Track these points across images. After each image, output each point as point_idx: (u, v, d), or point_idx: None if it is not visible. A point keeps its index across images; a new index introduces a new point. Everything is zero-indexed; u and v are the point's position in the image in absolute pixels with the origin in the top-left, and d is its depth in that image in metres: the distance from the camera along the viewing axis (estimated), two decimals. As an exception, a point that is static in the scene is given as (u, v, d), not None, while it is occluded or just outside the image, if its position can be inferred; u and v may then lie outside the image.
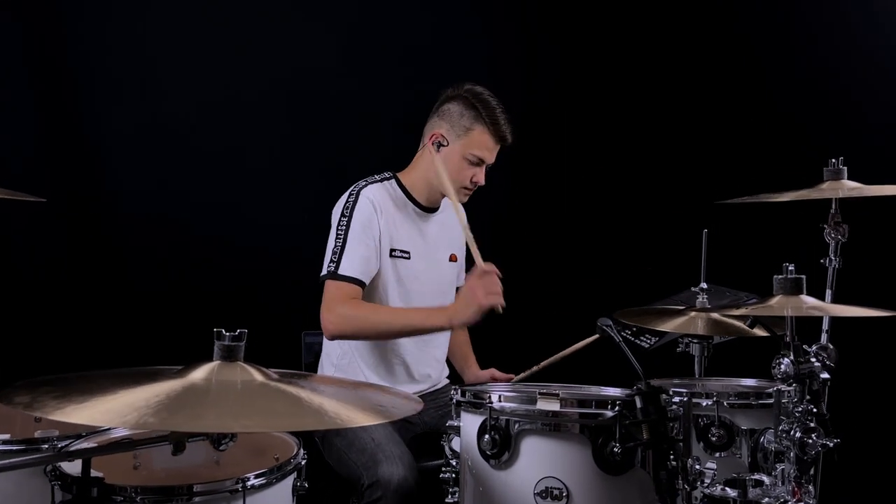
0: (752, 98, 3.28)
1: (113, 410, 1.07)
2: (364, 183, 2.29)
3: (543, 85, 3.49)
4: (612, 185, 3.39)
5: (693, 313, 2.23)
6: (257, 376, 1.25)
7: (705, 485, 1.62)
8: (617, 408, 1.57)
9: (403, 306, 2.28)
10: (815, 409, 1.65)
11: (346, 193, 2.27)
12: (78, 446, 1.60)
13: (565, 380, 1.99)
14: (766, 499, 1.64)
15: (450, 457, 1.78)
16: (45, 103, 2.88)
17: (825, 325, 2.13)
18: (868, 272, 2.57)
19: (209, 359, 1.25)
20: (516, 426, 1.63)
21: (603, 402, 1.60)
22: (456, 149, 2.25)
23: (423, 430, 2.32)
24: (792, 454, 1.63)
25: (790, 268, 1.74)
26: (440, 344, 2.44)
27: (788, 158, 2.96)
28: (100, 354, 2.76)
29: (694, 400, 1.91)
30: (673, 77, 3.36)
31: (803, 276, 1.74)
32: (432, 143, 2.28)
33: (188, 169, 3.03)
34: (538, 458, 1.61)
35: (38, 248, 2.90)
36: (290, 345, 2.55)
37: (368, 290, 2.22)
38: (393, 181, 2.33)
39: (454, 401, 1.76)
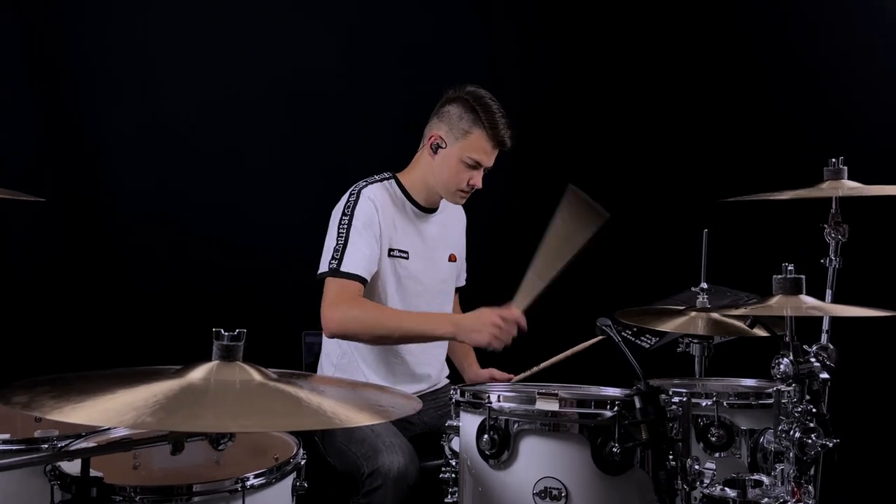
0: (752, 98, 3.28)
1: (111, 410, 1.07)
2: (364, 183, 2.29)
3: (543, 85, 3.49)
4: (612, 186, 3.37)
5: (693, 313, 2.23)
6: (256, 376, 1.25)
7: (704, 485, 1.62)
8: (616, 408, 1.57)
9: (403, 306, 2.28)
10: (814, 410, 1.64)
11: (347, 193, 2.27)
12: (77, 446, 1.60)
13: (564, 380, 1.99)
14: (766, 499, 1.64)
15: (449, 457, 1.78)
16: (45, 103, 2.88)
17: (825, 326, 2.13)
18: (868, 272, 2.57)
19: (208, 359, 1.25)
20: (515, 426, 1.63)
21: (602, 402, 1.60)
22: (454, 151, 2.25)
23: (423, 430, 2.32)
24: (791, 454, 1.63)
25: (790, 268, 1.74)
26: (440, 344, 2.44)
27: (788, 158, 2.95)
28: (100, 354, 2.76)
29: (693, 400, 1.91)
30: (673, 77, 3.36)
31: (803, 276, 1.74)
32: (430, 145, 2.28)
33: (188, 169, 3.03)
34: (537, 458, 1.62)
35: (38, 248, 2.90)
36: (290, 345, 2.55)
37: (368, 290, 2.22)
38: (392, 181, 2.33)
39: (453, 401, 1.76)
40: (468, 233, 2.56)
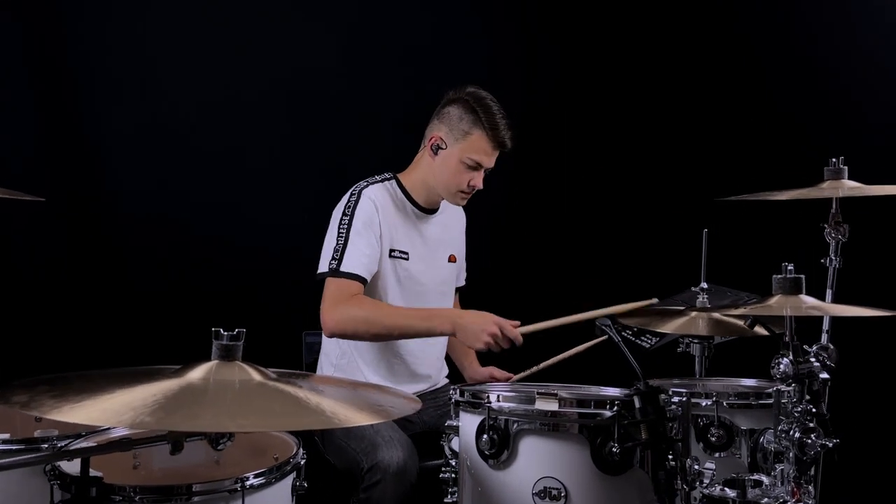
0: (752, 98, 3.28)
1: (110, 410, 1.07)
2: (365, 183, 2.29)
3: (543, 85, 3.49)
4: (613, 186, 3.39)
5: (694, 313, 2.23)
6: (255, 376, 1.25)
7: (704, 485, 1.62)
8: (615, 408, 1.57)
9: (404, 307, 2.28)
10: (814, 410, 1.64)
11: (348, 193, 2.27)
12: (76, 446, 1.60)
13: (564, 380, 1.99)
14: (766, 499, 1.64)
15: (449, 457, 1.78)
16: (45, 103, 2.88)
17: (825, 325, 2.13)
18: (869, 272, 2.56)
19: (207, 358, 1.25)
20: (515, 426, 1.63)
21: (601, 402, 1.60)
22: (454, 152, 2.25)
23: (423, 430, 2.32)
24: (791, 454, 1.62)
25: (789, 267, 1.74)
26: (440, 344, 2.44)
27: (788, 159, 2.95)
28: (100, 354, 2.76)
29: (693, 400, 1.91)
30: (673, 77, 3.36)
31: (802, 276, 1.74)
32: (431, 146, 2.27)
33: (188, 169, 3.03)
34: (537, 458, 1.61)
35: (38, 248, 2.90)
36: (290, 345, 2.55)
37: (369, 291, 2.22)
38: (393, 182, 2.33)
39: (453, 400, 1.76)
40: (468, 233, 2.56)
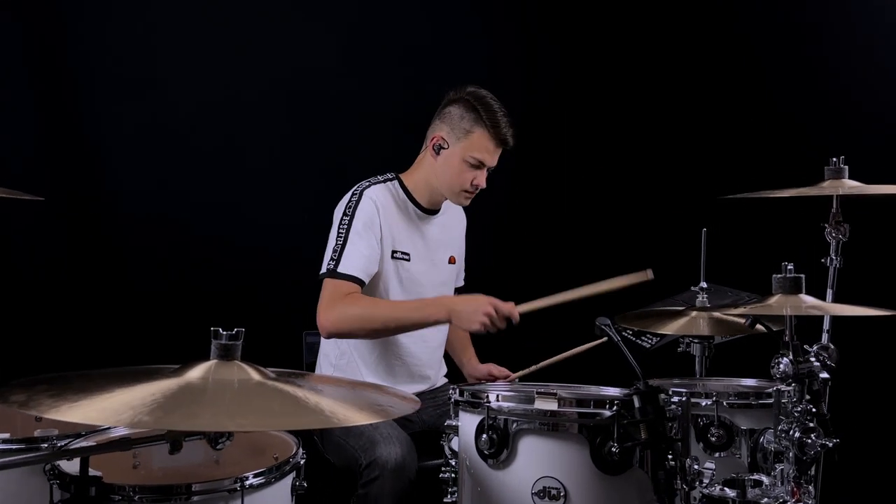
0: (752, 98, 3.28)
1: (108, 409, 1.07)
2: (367, 183, 2.29)
3: (543, 85, 3.49)
4: (613, 185, 3.39)
5: (694, 313, 2.23)
6: (254, 375, 1.25)
7: (704, 485, 1.62)
8: (615, 407, 1.57)
9: None
10: (814, 410, 1.64)
11: (350, 193, 2.27)
12: (76, 445, 1.60)
13: (564, 379, 1.99)
14: (765, 499, 1.63)
15: (449, 456, 1.78)
16: (45, 103, 2.88)
17: (826, 325, 2.13)
18: (869, 272, 2.56)
19: (207, 358, 1.25)
20: (514, 425, 1.62)
21: (601, 402, 1.60)
22: (456, 151, 2.25)
23: (422, 429, 2.31)
24: (791, 454, 1.62)
25: (789, 267, 1.74)
26: (438, 344, 2.44)
27: (789, 159, 2.96)
28: (100, 354, 2.75)
29: (693, 400, 1.90)
30: (673, 78, 3.36)
31: (802, 275, 1.74)
32: (433, 147, 2.27)
33: (188, 169, 3.03)
34: (536, 458, 1.61)
35: (38, 248, 2.90)
36: (290, 345, 2.55)
37: (369, 292, 2.22)
38: (395, 182, 2.33)
39: (452, 400, 1.76)
40: (469, 233, 2.56)
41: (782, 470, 1.65)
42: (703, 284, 2.27)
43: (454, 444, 1.77)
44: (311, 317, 2.17)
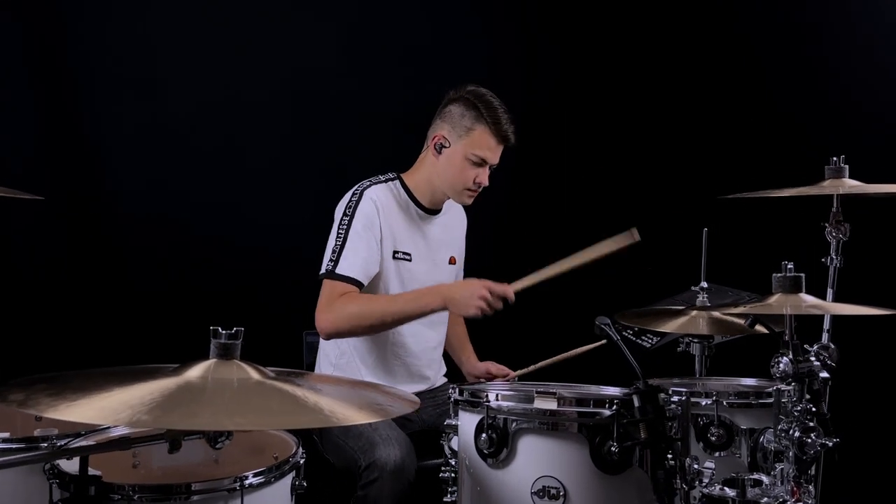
0: (752, 98, 3.28)
1: (107, 408, 1.07)
2: (368, 183, 2.28)
3: (543, 85, 3.49)
4: (613, 185, 3.39)
5: (694, 312, 2.23)
6: (254, 374, 1.25)
7: (703, 484, 1.62)
8: (615, 407, 1.57)
9: None
10: (815, 409, 1.64)
11: (350, 192, 2.27)
12: (75, 445, 1.60)
13: (563, 379, 1.98)
14: (765, 498, 1.63)
15: (449, 456, 1.78)
16: (45, 103, 2.88)
17: (826, 325, 2.12)
18: (869, 271, 2.56)
19: (206, 357, 1.25)
20: (514, 425, 1.62)
21: (600, 401, 1.60)
22: (458, 149, 2.24)
23: (422, 428, 2.31)
24: (791, 454, 1.62)
25: (789, 266, 1.73)
26: (438, 343, 2.43)
27: (789, 159, 2.95)
28: (100, 354, 2.74)
29: (693, 399, 1.90)
30: (673, 78, 3.36)
31: (802, 275, 1.74)
32: (434, 146, 2.27)
33: (188, 169, 3.03)
34: (535, 458, 1.61)
35: (39, 248, 2.90)
36: (291, 345, 2.55)
37: (369, 292, 2.22)
38: (397, 182, 2.33)
39: (452, 399, 1.76)
40: (470, 233, 2.56)
41: (782, 469, 1.64)
42: (704, 284, 2.27)
43: (454, 443, 1.77)
44: (311, 317, 2.17)
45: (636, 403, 1.56)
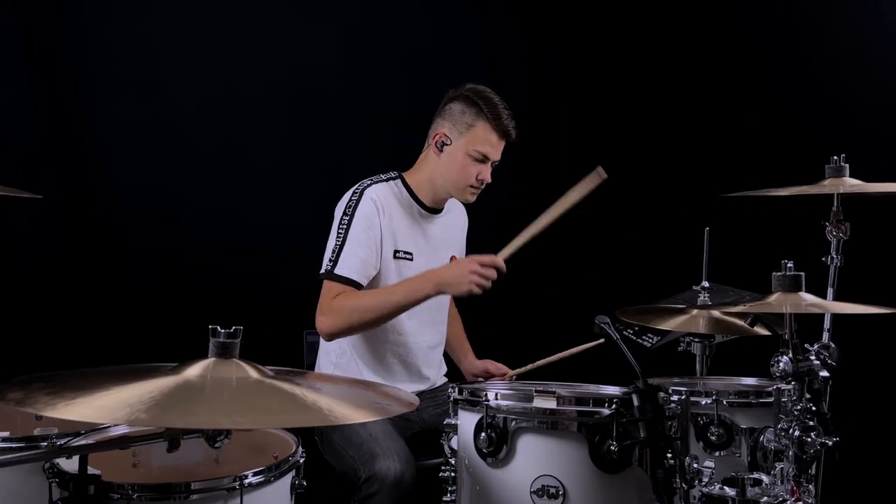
0: (752, 97, 3.28)
1: (105, 407, 1.07)
2: (369, 182, 2.28)
3: (543, 85, 3.49)
4: (613, 185, 3.37)
5: (695, 311, 2.23)
6: (252, 373, 1.25)
7: (703, 483, 1.61)
8: (614, 406, 1.56)
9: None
10: (815, 408, 1.64)
11: (350, 192, 2.26)
12: (74, 444, 1.60)
13: (562, 378, 1.98)
14: (765, 498, 1.63)
15: (448, 455, 1.78)
16: (45, 103, 2.88)
17: (826, 324, 2.12)
18: (870, 270, 2.56)
19: (205, 356, 1.25)
20: (513, 424, 1.62)
21: (600, 401, 1.59)
22: (459, 147, 2.24)
23: (422, 428, 2.31)
24: (791, 453, 1.62)
25: (789, 264, 1.73)
26: (438, 343, 2.43)
27: (789, 159, 2.95)
28: (101, 354, 2.72)
29: (693, 398, 1.90)
30: (673, 78, 3.36)
31: (802, 273, 1.74)
32: (435, 144, 2.27)
33: (188, 169, 3.03)
34: (535, 457, 1.61)
35: (39, 248, 2.90)
36: (291, 344, 2.55)
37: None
38: (398, 181, 2.32)
39: (451, 399, 1.76)
40: (470, 233, 2.56)
41: (782, 469, 1.64)
42: (705, 283, 2.27)
43: (454, 442, 1.77)
44: (312, 316, 2.18)
45: (635, 402, 1.55)
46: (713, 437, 1.91)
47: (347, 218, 2.21)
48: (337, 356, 2.32)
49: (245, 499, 1.44)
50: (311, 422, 1.22)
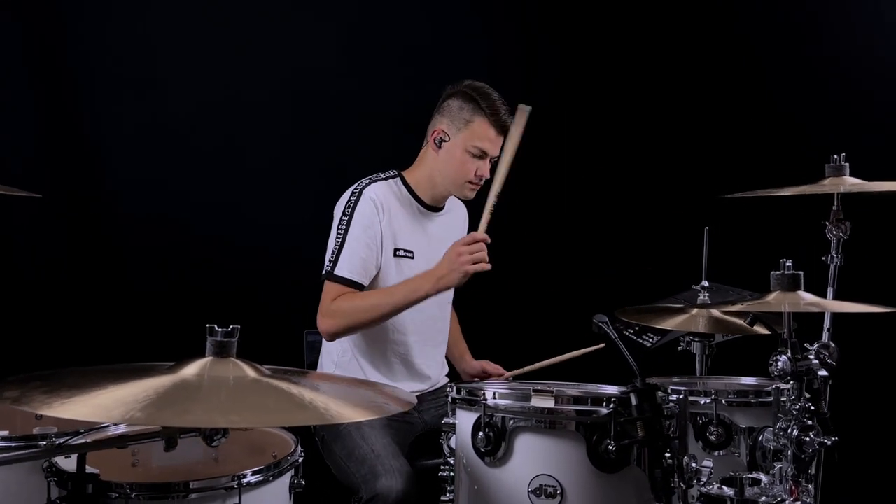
0: (752, 97, 3.28)
1: (101, 405, 1.07)
2: (368, 181, 2.28)
3: (543, 85, 3.48)
4: (613, 185, 3.39)
5: (695, 311, 2.22)
6: (250, 372, 1.25)
7: (702, 483, 1.61)
8: (612, 405, 1.56)
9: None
10: (814, 408, 1.63)
11: (349, 191, 2.26)
12: (72, 443, 1.60)
13: (561, 377, 1.98)
14: (764, 497, 1.62)
15: (448, 455, 1.78)
16: (45, 103, 2.89)
17: (826, 323, 2.12)
18: (870, 269, 2.56)
19: (202, 355, 1.25)
20: (511, 423, 1.62)
21: (598, 400, 1.59)
22: (458, 142, 2.24)
23: (425, 430, 2.31)
24: (789, 452, 1.62)
25: (787, 263, 1.73)
26: (440, 343, 2.43)
27: (789, 159, 2.95)
28: (101, 354, 2.71)
29: (692, 398, 1.89)
30: (673, 78, 3.35)
31: (801, 272, 1.73)
32: (434, 140, 2.27)
33: (188, 169, 3.03)
34: (532, 456, 1.61)
35: (39, 248, 2.91)
36: (292, 344, 2.55)
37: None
38: (398, 179, 2.32)
39: (450, 398, 1.76)
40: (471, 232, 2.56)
41: (781, 468, 1.64)
42: (705, 283, 2.26)
43: (452, 442, 1.77)
44: (312, 316, 2.18)
45: (633, 402, 1.55)
46: (712, 437, 1.90)
47: (346, 218, 2.21)
48: (338, 355, 2.32)
49: (243, 498, 1.44)
50: (307, 421, 1.22)
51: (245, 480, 1.46)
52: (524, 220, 3.42)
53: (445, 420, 1.76)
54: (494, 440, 1.62)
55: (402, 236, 2.27)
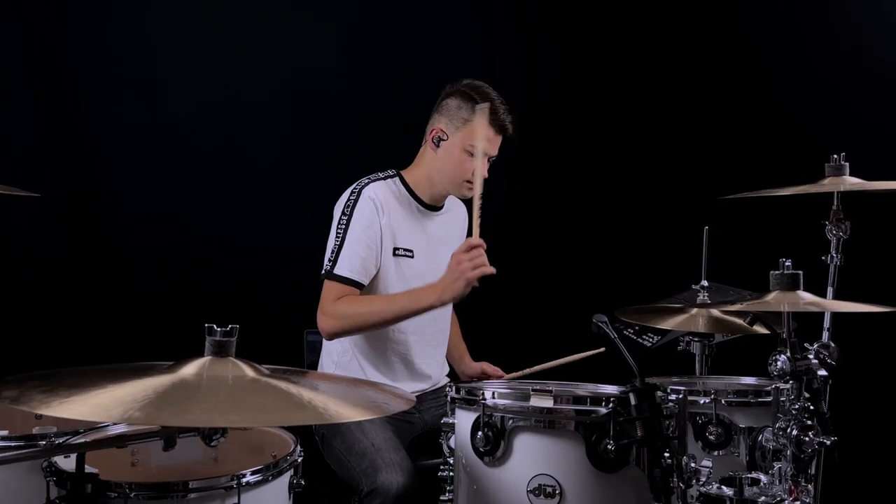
0: (752, 97, 3.28)
1: (100, 405, 1.07)
2: (367, 181, 2.28)
3: (543, 85, 3.48)
4: (613, 185, 3.39)
5: (694, 311, 2.22)
6: (248, 372, 1.24)
7: (701, 483, 1.61)
8: (611, 405, 1.56)
9: None
10: (813, 408, 1.63)
11: (349, 190, 2.26)
12: (71, 442, 1.60)
13: (560, 377, 1.98)
14: (763, 497, 1.62)
15: (447, 455, 1.78)
16: (45, 103, 2.89)
17: (826, 323, 2.12)
18: (870, 269, 2.56)
19: (201, 354, 1.25)
20: (510, 423, 1.62)
21: (597, 399, 1.59)
22: (456, 141, 2.24)
23: (425, 430, 2.31)
24: (789, 452, 1.61)
25: (787, 263, 1.73)
26: (440, 343, 2.43)
27: (789, 158, 2.95)
28: (101, 354, 2.72)
29: (691, 398, 1.89)
30: (673, 77, 3.35)
31: (800, 272, 1.73)
32: (432, 139, 2.27)
33: (188, 169, 3.03)
34: (531, 456, 1.61)
35: (39, 248, 2.91)
36: (292, 344, 2.55)
37: (371, 290, 2.22)
38: (397, 179, 2.32)
39: (449, 398, 1.76)
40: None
41: (780, 468, 1.64)
42: (705, 283, 2.26)
43: (452, 441, 1.77)
44: (312, 316, 2.18)
45: (633, 401, 1.55)
46: (712, 437, 1.90)
47: (346, 217, 2.21)
48: (339, 355, 2.32)
49: (243, 498, 1.44)
50: (306, 420, 1.22)
51: (244, 480, 1.45)
52: (524, 220, 3.42)
53: (445, 420, 1.76)
54: (493, 440, 1.62)
55: (401, 235, 2.27)
